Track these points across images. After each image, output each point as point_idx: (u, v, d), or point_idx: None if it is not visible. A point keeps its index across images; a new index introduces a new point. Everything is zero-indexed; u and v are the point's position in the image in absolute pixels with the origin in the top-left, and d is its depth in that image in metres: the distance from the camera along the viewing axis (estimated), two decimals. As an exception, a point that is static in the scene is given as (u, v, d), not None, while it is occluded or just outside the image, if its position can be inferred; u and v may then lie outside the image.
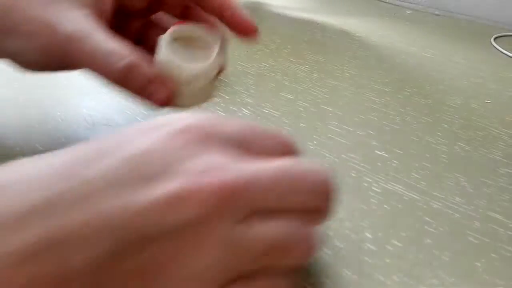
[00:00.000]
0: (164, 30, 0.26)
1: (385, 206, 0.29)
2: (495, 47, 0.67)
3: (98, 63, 0.23)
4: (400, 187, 0.31)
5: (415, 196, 0.30)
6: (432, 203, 0.29)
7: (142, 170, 0.15)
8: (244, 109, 0.40)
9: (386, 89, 0.48)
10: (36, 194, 0.14)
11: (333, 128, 0.38)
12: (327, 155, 0.34)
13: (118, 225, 0.14)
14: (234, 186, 0.15)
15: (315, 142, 0.36)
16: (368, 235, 0.26)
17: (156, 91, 0.24)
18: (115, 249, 0.14)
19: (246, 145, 0.18)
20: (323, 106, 0.42)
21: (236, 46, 0.57)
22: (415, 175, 0.32)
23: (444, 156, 0.35)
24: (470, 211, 0.29)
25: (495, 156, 0.36)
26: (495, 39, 0.71)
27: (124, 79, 0.23)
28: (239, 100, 0.42)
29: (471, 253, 0.25)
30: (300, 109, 0.41)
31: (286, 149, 0.19)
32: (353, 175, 0.32)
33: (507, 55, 0.64)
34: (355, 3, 0.91)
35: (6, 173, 0.15)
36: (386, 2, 0.94)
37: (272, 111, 0.40)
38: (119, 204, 0.14)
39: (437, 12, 0.89)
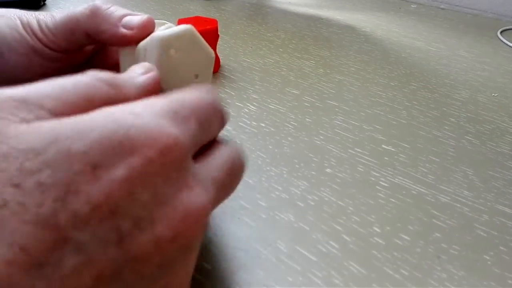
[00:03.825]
0: None
1: (392, 200, 0.29)
2: (502, 41, 0.67)
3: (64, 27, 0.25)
4: (408, 181, 0.31)
5: (422, 190, 0.30)
6: (440, 196, 0.29)
7: None
8: (250, 105, 0.40)
9: (392, 84, 0.48)
10: None
11: (340, 123, 0.38)
12: (333, 150, 0.34)
13: None
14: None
15: (321, 137, 0.36)
16: (376, 229, 0.26)
17: (130, 20, 0.24)
18: None
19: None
20: (329, 101, 0.42)
21: (241, 42, 0.57)
22: (423, 169, 0.32)
23: (451, 149, 0.35)
24: (478, 204, 0.29)
25: (503, 149, 0.36)
26: (501, 32, 0.71)
27: (93, 18, 0.24)
28: (245, 96, 0.42)
29: (480, 247, 0.25)
30: (306, 104, 0.41)
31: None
32: (360, 169, 0.32)
33: (514, 48, 0.64)
34: (359, -2, 0.91)
35: None
36: (391, -3, 0.93)
37: (278, 106, 0.40)
38: None
39: (442, 6, 0.88)
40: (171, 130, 0.14)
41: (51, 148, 0.13)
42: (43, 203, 0.12)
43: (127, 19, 0.24)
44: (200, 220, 0.15)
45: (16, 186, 0.12)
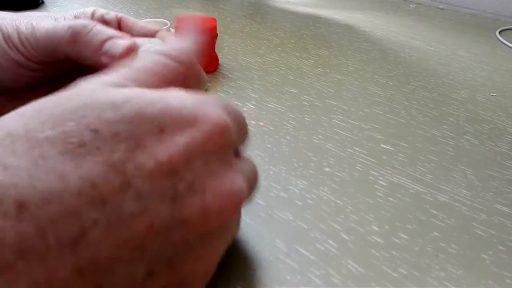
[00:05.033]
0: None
1: (391, 199, 0.29)
2: (500, 40, 0.67)
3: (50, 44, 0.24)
4: (406, 180, 0.31)
5: (421, 189, 0.30)
6: (439, 196, 0.29)
7: None
8: (248, 104, 0.40)
9: (391, 83, 0.48)
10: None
11: (338, 122, 0.38)
12: (332, 149, 0.34)
13: None
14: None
15: (320, 136, 0.36)
16: (375, 228, 0.26)
17: (112, 47, 0.23)
18: None
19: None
20: (327, 100, 0.42)
21: (240, 41, 0.57)
22: (421, 168, 0.32)
23: (450, 149, 0.35)
24: (476, 203, 0.29)
25: (502, 149, 0.36)
26: (500, 32, 0.71)
27: (73, 44, 0.24)
28: (243, 95, 0.42)
29: (478, 246, 0.25)
30: (305, 103, 0.41)
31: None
32: (359, 168, 0.32)
33: (512, 48, 0.64)
34: (358, -3, 0.91)
35: None
36: (390, -4, 0.93)
37: (277, 105, 0.40)
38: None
39: (441, 6, 0.88)
40: (226, 118, 0.17)
41: (127, 105, 0.15)
42: (116, 150, 0.14)
43: (109, 45, 0.23)
44: (239, 201, 0.17)
45: (95, 131, 0.14)
